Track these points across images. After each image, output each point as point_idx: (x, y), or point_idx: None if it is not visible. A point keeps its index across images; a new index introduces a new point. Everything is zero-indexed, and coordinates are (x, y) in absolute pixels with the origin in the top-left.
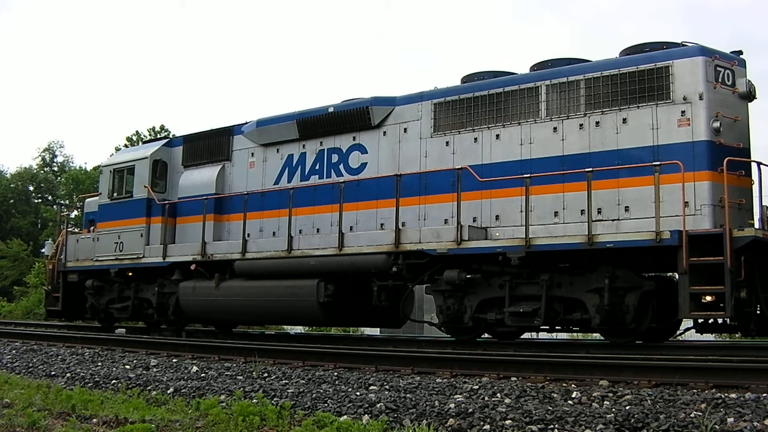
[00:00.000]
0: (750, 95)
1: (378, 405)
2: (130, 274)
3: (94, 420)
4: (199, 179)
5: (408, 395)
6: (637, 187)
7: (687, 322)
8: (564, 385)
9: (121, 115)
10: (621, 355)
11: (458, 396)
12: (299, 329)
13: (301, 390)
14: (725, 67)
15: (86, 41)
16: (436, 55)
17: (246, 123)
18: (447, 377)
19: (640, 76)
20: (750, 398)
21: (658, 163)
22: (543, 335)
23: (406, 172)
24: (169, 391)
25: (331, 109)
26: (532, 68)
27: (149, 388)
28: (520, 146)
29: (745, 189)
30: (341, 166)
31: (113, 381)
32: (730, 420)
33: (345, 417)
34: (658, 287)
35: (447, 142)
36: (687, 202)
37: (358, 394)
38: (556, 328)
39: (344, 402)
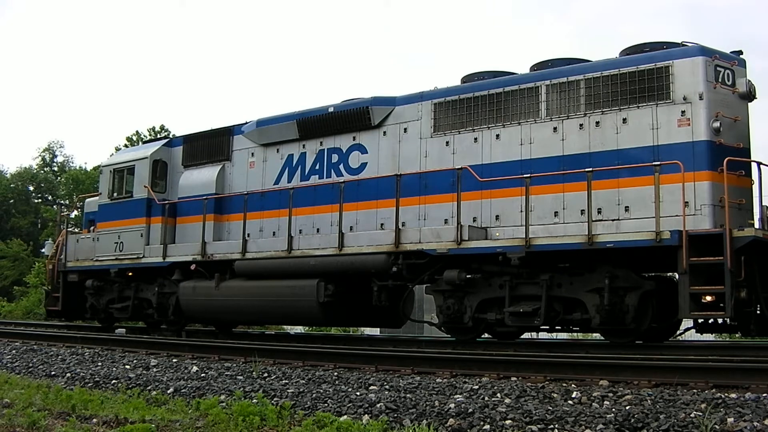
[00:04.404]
0: (750, 95)
1: (378, 405)
2: (130, 274)
3: (94, 420)
4: (199, 179)
5: (408, 395)
6: (637, 187)
7: (687, 322)
8: (564, 385)
9: (121, 115)
10: (621, 355)
11: (458, 396)
12: (299, 329)
13: (301, 390)
14: (725, 67)
15: (86, 41)
16: (436, 55)
17: (246, 123)
18: (447, 377)
19: (640, 76)
20: (750, 398)
21: (658, 163)
22: (543, 335)
23: (406, 172)
24: (169, 391)
25: (331, 109)
26: (532, 68)
27: (149, 388)
28: (520, 146)
29: (745, 189)
30: (341, 166)
31: (113, 381)
32: (730, 420)
33: (345, 417)
34: (658, 287)
35: (447, 142)
36: (687, 202)
37: (358, 394)
38: (556, 328)
39: (344, 402)
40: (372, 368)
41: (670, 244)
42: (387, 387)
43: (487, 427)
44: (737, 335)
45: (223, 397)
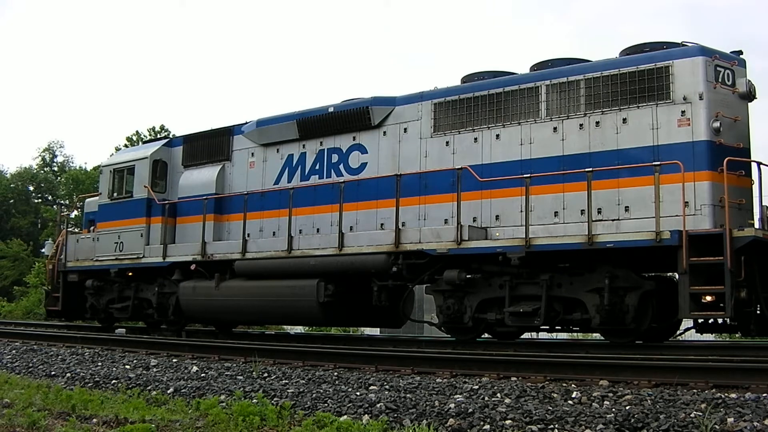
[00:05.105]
0: (750, 95)
1: (378, 405)
2: (130, 274)
3: (94, 420)
4: (199, 179)
5: (408, 395)
6: (637, 187)
7: (687, 322)
8: (564, 385)
9: (121, 115)
10: (621, 355)
11: (458, 396)
12: (299, 329)
13: (301, 390)
14: (725, 67)
15: (86, 41)
16: (436, 55)
17: (246, 123)
18: (447, 377)
19: (640, 76)
20: (750, 398)
21: (658, 163)
22: (543, 335)
23: (406, 172)
24: (169, 391)
25: (331, 109)
26: (532, 68)
27: (149, 388)
28: (520, 146)
29: (745, 189)
30: (341, 166)
31: (113, 381)
32: (730, 420)
33: (345, 417)
34: (658, 287)
35: (447, 142)
36: (687, 202)
37: (358, 394)
38: (556, 328)
39: (344, 402)
40: (372, 368)
41: (670, 244)
42: (387, 387)
43: (487, 427)
44: (737, 335)
45: (223, 397)
